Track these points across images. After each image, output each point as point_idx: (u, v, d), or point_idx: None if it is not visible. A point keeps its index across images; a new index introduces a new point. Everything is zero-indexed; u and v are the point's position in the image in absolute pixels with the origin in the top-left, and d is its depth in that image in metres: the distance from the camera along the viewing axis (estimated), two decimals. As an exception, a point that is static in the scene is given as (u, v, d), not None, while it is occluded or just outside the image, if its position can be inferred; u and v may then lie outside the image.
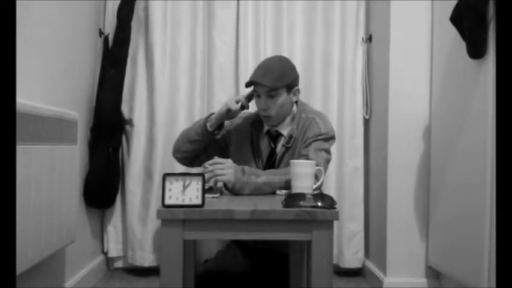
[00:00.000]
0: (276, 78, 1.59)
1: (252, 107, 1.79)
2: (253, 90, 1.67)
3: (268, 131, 1.72)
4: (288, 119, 1.70)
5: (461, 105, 1.79)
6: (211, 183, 1.50)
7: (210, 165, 1.46)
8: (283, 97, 1.62)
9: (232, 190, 1.46)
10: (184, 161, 1.81)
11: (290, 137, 1.66)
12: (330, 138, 1.64)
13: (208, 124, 1.68)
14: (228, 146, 1.80)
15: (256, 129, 1.74)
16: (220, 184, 1.55)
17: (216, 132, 1.71)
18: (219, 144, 1.80)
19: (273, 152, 1.70)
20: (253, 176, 1.48)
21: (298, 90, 1.70)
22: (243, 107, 1.69)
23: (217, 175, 1.44)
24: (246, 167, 1.51)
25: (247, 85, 1.64)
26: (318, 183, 1.44)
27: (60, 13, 1.81)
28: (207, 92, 2.46)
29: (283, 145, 1.67)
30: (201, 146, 1.74)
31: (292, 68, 1.68)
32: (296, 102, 1.74)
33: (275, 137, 1.71)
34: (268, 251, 1.83)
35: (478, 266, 1.62)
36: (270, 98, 1.61)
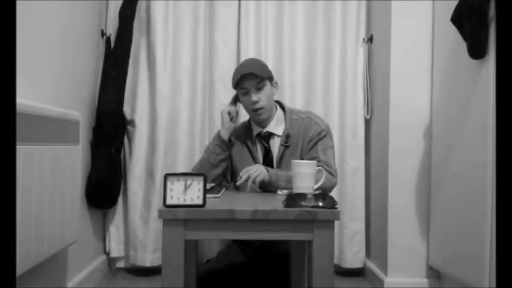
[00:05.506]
0: (261, 69, 1.74)
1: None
2: (237, 92, 1.77)
3: (259, 134, 1.79)
4: (275, 119, 1.79)
5: (462, 105, 1.79)
6: (256, 188, 1.62)
7: (243, 173, 1.58)
8: (268, 88, 1.74)
9: (269, 185, 1.59)
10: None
11: (287, 136, 1.74)
12: (329, 132, 1.78)
13: (222, 136, 1.75)
14: (232, 161, 1.85)
15: (249, 135, 1.83)
16: (251, 187, 1.62)
17: (231, 140, 1.78)
18: (228, 167, 1.87)
19: (267, 151, 1.77)
20: (282, 170, 1.64)
21: (276, 83, 1.83)
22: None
23: (254, 177, 1.56)
24: (268, 168, 1.63)
25: (237, 83, 1.73)
26: (319, 183, 1.44)
27: (62, 14, 1.82)
28: (208, 92, 2.46)
29: (281, 144, 1.74)
30: (224, 166, 1.78)
31: (266, 63, 1.85)
32: (282, 106, 1.84)
33: (267, 137, 1.78)
34: (269, 250, 1.84)
35: (479, 266, 1.62)
36: (258, 90, 1.72)
